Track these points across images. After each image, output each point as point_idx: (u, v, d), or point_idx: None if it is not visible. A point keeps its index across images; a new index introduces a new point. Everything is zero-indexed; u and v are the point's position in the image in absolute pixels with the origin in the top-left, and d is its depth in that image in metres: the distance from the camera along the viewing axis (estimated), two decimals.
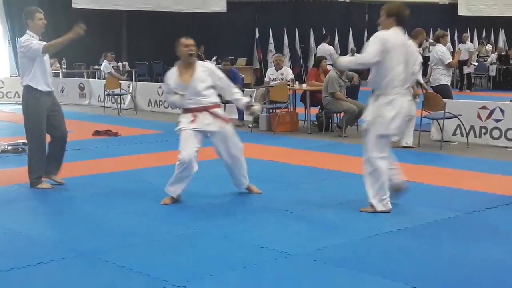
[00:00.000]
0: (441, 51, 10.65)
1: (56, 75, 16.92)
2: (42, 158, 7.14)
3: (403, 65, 6.00)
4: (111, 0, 19.68)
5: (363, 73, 12.34)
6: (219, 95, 6.70)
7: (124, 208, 6.39)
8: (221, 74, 6.66)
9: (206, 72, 6.53)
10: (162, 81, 18.79)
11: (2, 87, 18.04)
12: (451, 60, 10.67)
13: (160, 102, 15.82)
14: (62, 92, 17.71)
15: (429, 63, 11.15)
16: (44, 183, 7.13)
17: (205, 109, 6.47)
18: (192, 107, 6.47)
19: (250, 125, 12.15)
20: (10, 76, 19.21)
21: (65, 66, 18.57)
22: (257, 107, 6.79)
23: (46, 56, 7.03)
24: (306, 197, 6.80)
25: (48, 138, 7.25)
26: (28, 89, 6.98)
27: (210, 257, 4.89)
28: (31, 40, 6.84)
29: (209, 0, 21.38)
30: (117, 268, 4.65)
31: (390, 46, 5.92)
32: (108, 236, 5.46)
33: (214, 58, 20.47)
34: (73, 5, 18.63)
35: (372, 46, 5.97)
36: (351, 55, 21.93)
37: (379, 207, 6.03)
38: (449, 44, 16.07)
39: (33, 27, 6.94)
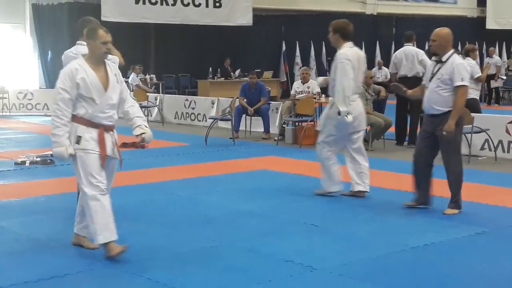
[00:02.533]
0: (470, 65, 10.58)
1: None
2: None
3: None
4: (140, 13, 19.87)
5: (389, 87, 12.29)
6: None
7: (150, 220, 6.42)
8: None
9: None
10: (189, 94, 18.99)
11: (31, 99, 18.27)
12: (480, 74, 10.64)
13: (187, 115, 15.89)
14: None
15: None
16: None
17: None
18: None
19: (276, 138, 12.16)
20: (40, 88, 19.47)
21: None
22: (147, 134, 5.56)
23: None
24: (332, 211, 6.78)
25: None
26: None
27: (236, 270, 4.90)
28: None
29: (236, 13, 21.49)
30: (144, 280, 4.67)
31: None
32: (135, 248, 5.48)
33: (238, 70, 20.58)
34: (102, 18, 18.80)
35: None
36: (378, 69, 21.92)
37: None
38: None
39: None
